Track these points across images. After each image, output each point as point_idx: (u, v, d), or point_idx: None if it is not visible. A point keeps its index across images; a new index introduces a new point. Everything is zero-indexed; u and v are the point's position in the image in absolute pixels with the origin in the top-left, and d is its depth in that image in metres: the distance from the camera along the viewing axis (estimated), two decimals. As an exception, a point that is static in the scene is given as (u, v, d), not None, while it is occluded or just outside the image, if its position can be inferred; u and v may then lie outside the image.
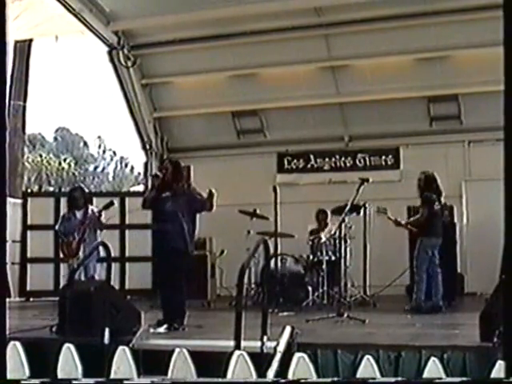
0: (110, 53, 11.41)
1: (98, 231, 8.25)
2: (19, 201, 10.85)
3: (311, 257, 8.94)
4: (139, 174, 30.57)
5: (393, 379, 4.22)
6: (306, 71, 11.30)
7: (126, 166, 37.93)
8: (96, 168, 37.37)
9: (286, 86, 11.28)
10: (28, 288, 10.44)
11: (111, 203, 8.08)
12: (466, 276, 9.96)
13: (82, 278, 7.78)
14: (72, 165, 33.28)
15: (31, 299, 10.41)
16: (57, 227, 8.46)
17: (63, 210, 10.12)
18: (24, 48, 13.12)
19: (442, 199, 7.95)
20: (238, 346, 4.29)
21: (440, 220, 7.88)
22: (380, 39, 10.47)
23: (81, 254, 7.85)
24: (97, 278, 7.78)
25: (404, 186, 10.30)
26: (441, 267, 7.71)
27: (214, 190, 6.25)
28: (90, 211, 8.24)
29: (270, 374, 4.19)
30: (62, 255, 8.33)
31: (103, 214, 8.10)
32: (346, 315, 6.73)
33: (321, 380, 4.20)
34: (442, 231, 7.87)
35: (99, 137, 37.59)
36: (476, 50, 10.11)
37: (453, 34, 10.17)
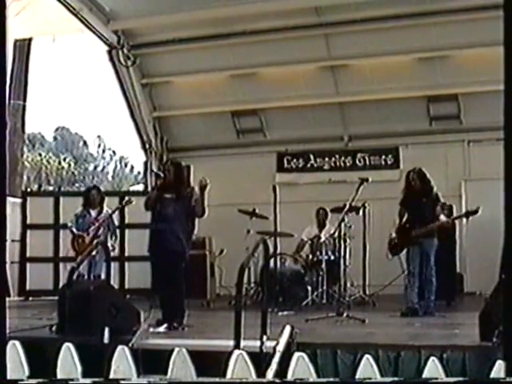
0: (109, 52, 11.39)
1: (109, 233, 8.29)
2: (19, 200, 10.84)
3: (311, 256, 8.94)
4: (139, 173, 30.59)
5: (389, 379, 4.21)
6: (305, 71, 11.29)
7: (126, 165, 38.00)
8: (96, 167, 37.40)
9: (285, 85, 11.27)
10: (27, 287, 10.42)
11: (129, 201, 8.11)
12: (465, 275, 9.97)
13: (90, 277, 7.79)
14: (72, 164, 33.29)
15: (30, 298, 10.38)
16: (69, 224, 8.51)
17: (63, 209, 10.21)
18: (23, 47, 13.14)
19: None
20: (237, 346, 4.29)
21: None
22: (380, 39, 10.46)
23: (93, 252, 7.85)
24: (103, 276, 7.77)
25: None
26: (438, 267, 7.59)
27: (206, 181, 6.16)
28: (105, 211, 8.30)
29: (270, 373, 4.18)
30: (73, 252, 8.32)
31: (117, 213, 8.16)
32: (345, 315, 6.74)
33: (318, 380, 4.20)
34: None
35: (99, 136, 37.70)
36: (476, 50, 10.11)
37: (453, 34, 10.16)
